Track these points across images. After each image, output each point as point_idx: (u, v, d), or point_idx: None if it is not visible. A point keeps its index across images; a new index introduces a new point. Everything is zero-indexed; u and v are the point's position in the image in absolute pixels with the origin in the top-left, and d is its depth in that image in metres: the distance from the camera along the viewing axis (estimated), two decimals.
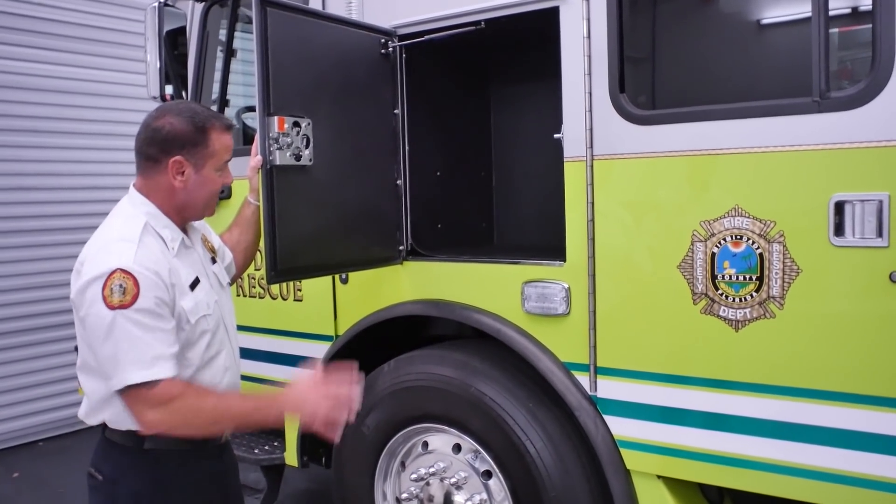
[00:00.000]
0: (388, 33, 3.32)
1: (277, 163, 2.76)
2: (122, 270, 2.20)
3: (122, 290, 2.18)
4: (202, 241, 2.64)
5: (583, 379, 2.93)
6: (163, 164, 2.37)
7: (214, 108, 4.28)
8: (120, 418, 2.31)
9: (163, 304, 2.25)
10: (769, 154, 2.51)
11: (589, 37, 2.83)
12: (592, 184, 2.85)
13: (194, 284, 2.41)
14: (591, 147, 2.84)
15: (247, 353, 2.86)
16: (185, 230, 2.51)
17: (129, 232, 2.32)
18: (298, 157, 2.84)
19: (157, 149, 2.38)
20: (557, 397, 2.99)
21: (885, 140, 2.32)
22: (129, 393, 2.19)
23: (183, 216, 2.48)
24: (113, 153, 6.72)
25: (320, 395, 2.28)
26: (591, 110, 2.84)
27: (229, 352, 2.57)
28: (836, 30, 3.14)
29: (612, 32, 2.79)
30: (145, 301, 2.21)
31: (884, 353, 2.37)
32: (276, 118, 2.73)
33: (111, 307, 2.17)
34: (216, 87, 4.33)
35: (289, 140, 2.78)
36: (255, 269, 3.89)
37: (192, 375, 2.38)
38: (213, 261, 2.66)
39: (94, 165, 6.70)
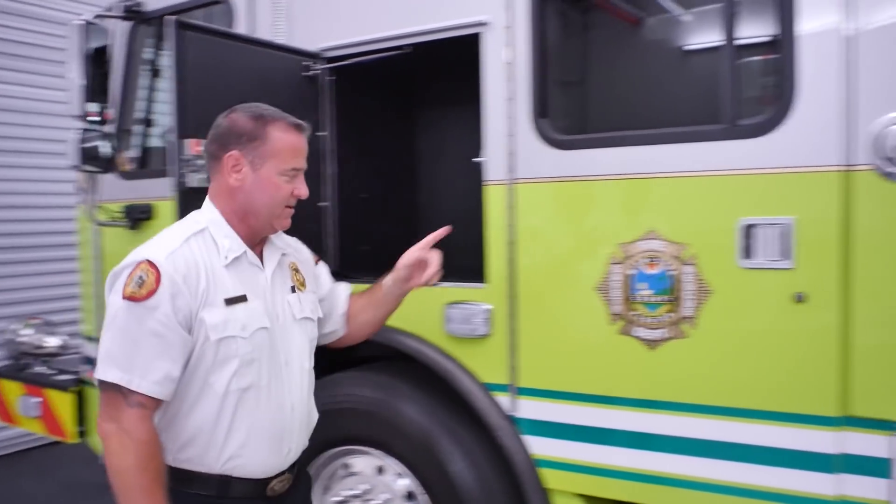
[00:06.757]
0: (312, 56, 3.32)
1: (190, 185, 2.70)
2: (149, 262, 2.05)
3: (140, 283, 2.02)
4: (290, 268, 2.42)
5: (503, 399, 2.95)
6: (221, 162, 2.21)
7: (139, 127, 4.22)
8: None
9: (178, 312, 2.05)
10: (683, 179, 2.58)
11: (511, 62, 2.87)
12: (512, 207, 2.89)
13: (236, 300, 2.17)
14: (512, 171, 2.88)
15: None
16: (259, 249, 2.31)
17: (180, 232, 2.18)
18: None
19: (216, 145, 2.23)
20: (479, 418, 3.00)
21: (791, 166, 2.41)
22: (102, 390, 2.04)
23: (248, 225, 2.24)
24: None
25: None
26: (512, 135, 2.88)
27: (277, 392, 2.25)
28: (759, 57, 3.26)
29: (534, 58, 2.84)
30: (159, 301, 2.03)
31: (790, 371, 2.44)
32: (189, 140, 2.69)
33: (123, 297, 2.03)
34: (141, 106, 4.27)
35: (202, 162, 2.72)
36: None
37: (218, 403, 2.15)
38: (293, 290, 2.39)
39: None
